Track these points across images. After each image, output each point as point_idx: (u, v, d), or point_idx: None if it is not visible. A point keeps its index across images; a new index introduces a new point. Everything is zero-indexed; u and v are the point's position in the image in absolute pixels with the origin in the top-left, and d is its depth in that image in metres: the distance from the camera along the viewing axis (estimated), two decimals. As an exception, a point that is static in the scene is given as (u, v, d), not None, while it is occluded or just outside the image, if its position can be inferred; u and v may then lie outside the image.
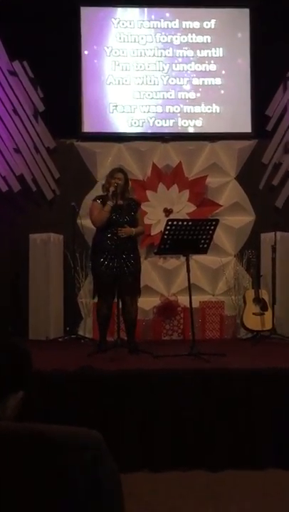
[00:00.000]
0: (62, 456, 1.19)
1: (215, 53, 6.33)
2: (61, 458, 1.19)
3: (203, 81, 6.33)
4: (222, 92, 6.34)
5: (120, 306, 4.60)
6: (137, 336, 5.02)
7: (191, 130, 6.34)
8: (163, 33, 6.30)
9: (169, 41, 6.30)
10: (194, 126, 6.33)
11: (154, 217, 6.13)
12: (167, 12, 6.33)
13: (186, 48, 6.32)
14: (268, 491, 3.27)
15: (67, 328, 5.87)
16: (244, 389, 3.69)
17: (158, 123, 6.29)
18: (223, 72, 6.34)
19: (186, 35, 6.31)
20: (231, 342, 5.74)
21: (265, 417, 3.68)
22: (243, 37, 6.33)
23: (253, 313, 5.69)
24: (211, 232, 4.71)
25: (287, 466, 3.56)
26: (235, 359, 4.41)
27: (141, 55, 6.28)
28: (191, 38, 6.31)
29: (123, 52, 6.27)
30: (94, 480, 1.19)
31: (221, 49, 6.33)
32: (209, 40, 6.32)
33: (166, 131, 6.29)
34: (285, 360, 4.37)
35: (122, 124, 6.27)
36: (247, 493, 3.24)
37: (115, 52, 6.27)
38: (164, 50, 6.31)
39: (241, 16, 6.33)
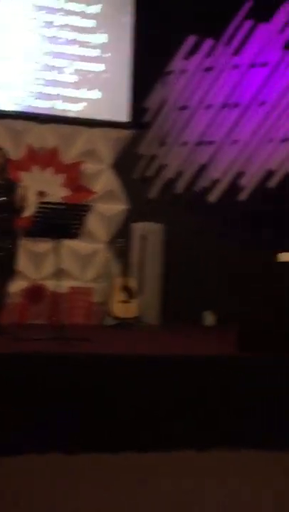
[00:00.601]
0: None
1: (98, 39, 6.31)
2: None
3: (85, 66, 6.29)
4: (103, 78, 6.34)
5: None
6: (2, 319, 4.91)
7: (69, 114, 6.27)
8: (45, 12, 6.16)
9: (52, 21, 6.18)
10: (73, 110, 6.27)
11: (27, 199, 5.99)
12: (52, -9, 6.21)
13: (69, 30, 6.23)
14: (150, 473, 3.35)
15: None
16: (105, 373, 3.74)
17: (36, 103, 6.16)
18: (106, 58, 6.34)
19: (69, 16, 6.23)
20: (97, 328, 5.79)
21: (127, 400, 3.75)
22: (127, 26, 6.37)
23: (120, 301, 5.78)
24: (82, 217, 4.71)
25: (144, 449, 3.65)
26: (98, 345, 4.48)
27: (22, 32, 6.10)
28: (75, 21, 6.24)
29: (2, 27, 6.04)
30: None
31: (104, 35, 6.33)
32: (93, 25, 6.29)
33: (45, 112, 6.17)
34: (147, 347, 4.50)
35: (-2, 100, 6.06)
36: (100, 476, 3.28)
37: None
38: (47, 29, 6.18)
39: (126, 4, 6.36)
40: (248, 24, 6.22)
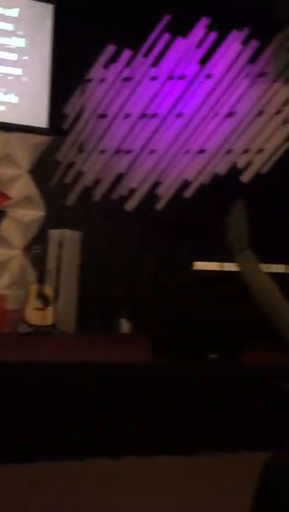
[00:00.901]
0: None
1: (16, 43, 6.23)
2: None
3: (2, 69, 6.18)
4: (21, 83, 6.26)
5: None
6: None
7: (-15, 117, 6.15)
8: None
9: None
10: (-11, 113, 6.16)
11: None
12: None
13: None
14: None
15: None
16: (15, 381, 3.67)
17: None
18: (24, 63, 6.27)
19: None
20: (11, 336, 5.67)
21: (39, 408, 3.70)
22: (46, 31, 6.33)
23: (35, 308, 5.70)
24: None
25: (55, 458, 3.61)
26: (10, 352, 4.39)
27: None
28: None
29: None
30: None
31: (23, 39, 6.26)
32: (11, 29, 6.21)
33: None
34: (61, 354, 4.47)
35: None
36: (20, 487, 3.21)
37: None
38: None
39: (46, 9, 6.32)
40: (166, 37, 6.34)
